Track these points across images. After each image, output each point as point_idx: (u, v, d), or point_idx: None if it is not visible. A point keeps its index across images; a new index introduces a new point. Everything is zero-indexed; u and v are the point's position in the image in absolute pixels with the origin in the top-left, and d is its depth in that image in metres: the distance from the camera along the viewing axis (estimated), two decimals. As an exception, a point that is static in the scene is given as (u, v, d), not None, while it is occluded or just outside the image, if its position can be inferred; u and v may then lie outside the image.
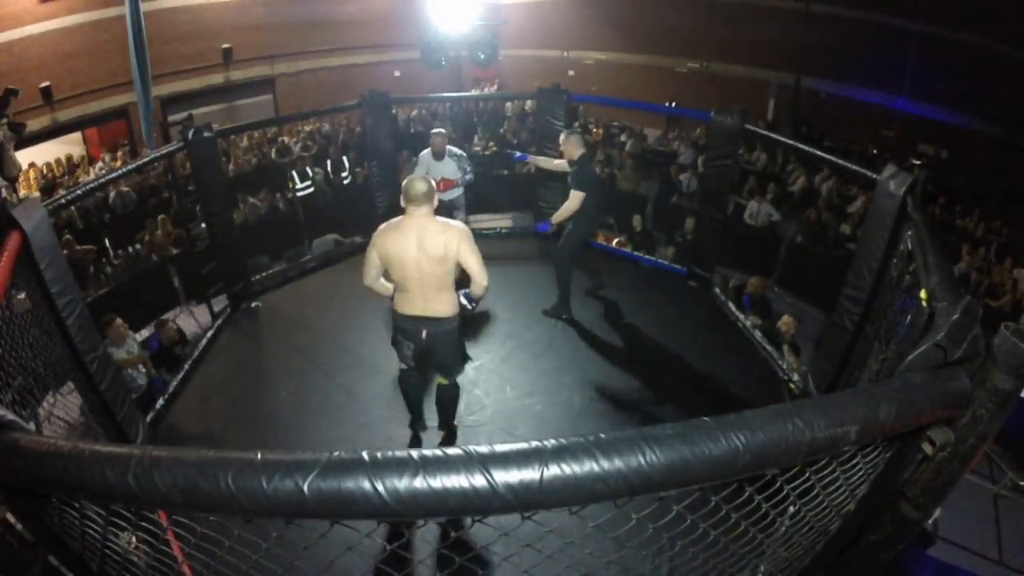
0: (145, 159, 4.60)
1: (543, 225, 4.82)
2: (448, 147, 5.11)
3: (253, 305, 5.16)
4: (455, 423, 3.56)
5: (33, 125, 10.02)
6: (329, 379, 4.13)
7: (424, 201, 2.92)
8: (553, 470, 0.80)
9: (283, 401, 3.98)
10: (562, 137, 4.52)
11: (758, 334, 4.75)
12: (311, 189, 7.93)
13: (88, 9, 10.51)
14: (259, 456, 0.81)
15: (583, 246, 4.75)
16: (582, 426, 3.67)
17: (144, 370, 4.60)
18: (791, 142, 4.97)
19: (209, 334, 4.77)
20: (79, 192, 3.61)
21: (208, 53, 12.13)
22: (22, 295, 2.71)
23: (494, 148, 10.54)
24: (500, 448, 0.82)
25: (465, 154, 5.23)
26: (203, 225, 5.04)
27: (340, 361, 4.32)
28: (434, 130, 5.19)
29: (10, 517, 1.06)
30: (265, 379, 4.24)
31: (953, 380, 0.98)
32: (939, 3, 9.99)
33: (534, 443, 0.82)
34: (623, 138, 10.80)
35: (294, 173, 7.88)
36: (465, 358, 3.51)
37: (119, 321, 4.44)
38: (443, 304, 2.95)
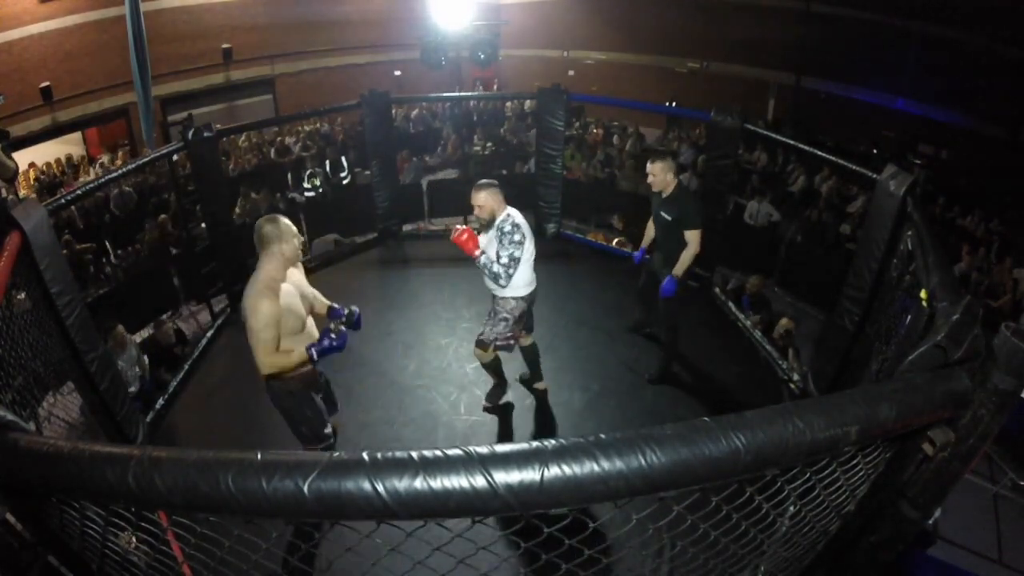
0: (145, 159, 4.59)
1: (669, 283, 3.62)
2: (509, 211, 3.06)
3: (253, 305, 5.15)
4: None
5: (33, 125, 10.05)
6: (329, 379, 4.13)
7: (260, 245, 2.46)
8: (553, 471, 0.79)
9: (283, 401, 3.98)
10: (650, 164, 3.63)
11: (758, 334, 4.75)
12: (318, 191, 7.93)
13: (88, 9, 10.52)
14: (259, 456, 0.81)
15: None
16: (582, 426, 3.67)
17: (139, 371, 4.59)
18: (791, 142, 4.97)
19: (209, 334, 4.77)
20: (79, 192, 3.61)
21: (208, 53, 12.14)
22: (22, 295, 2.71)
23: (493, 148, 10.55)
24: (500, 448, 0.82)
25: (517, 230, 3.04)
26: (203, 225, 5.04)
27: (340, 361, 4.31)
28: (481, 182, 3.07)
29: (10, 517, 1.06)
30: (265, 379, 4.24)
31: (953, 380, 0.98)
32: (939, 3, 9.99)
33: (534, 443, 0.82)
34: (615, 140, 10.81)
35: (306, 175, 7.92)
36: (312, 431, 2.79)
37: (120, 329, 4.41)
38: (259, 362, 2.43)
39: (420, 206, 7.00)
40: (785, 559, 1.45)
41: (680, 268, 3.60)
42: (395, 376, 4.11)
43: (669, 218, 3.62)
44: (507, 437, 3.61)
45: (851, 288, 3.45)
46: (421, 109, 12.23)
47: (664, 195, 3.65)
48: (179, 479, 0.80)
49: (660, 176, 3.60)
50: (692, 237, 3.55)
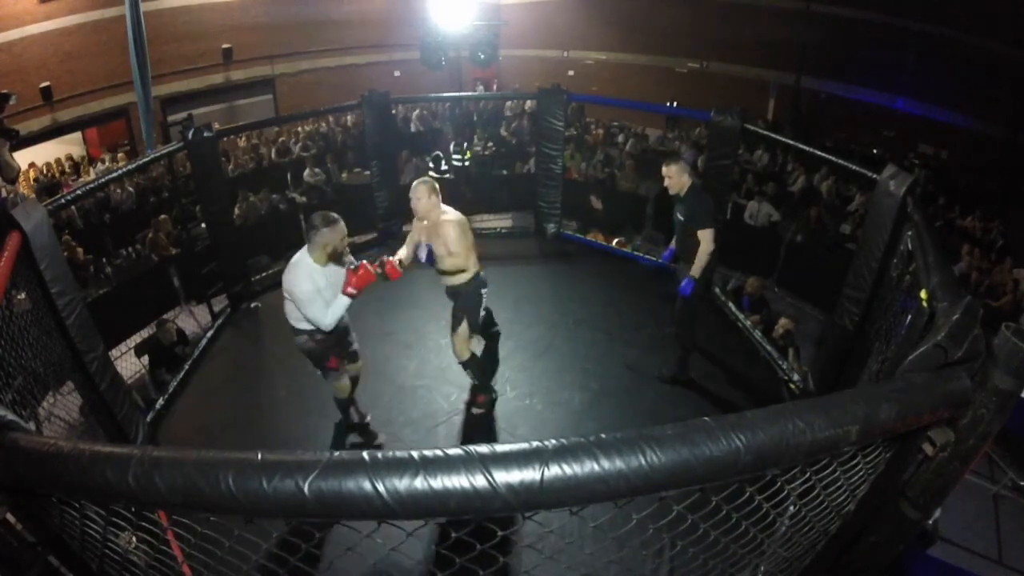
0: (145, 159, 4.59)
1: (687, 284, 3.63)
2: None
3: (253, 305, 5.16)
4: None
5: (33, 125, 10.04)
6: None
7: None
8: (554, 470, 0.79)
9: (283, 401, 3.98)
10: (665, 167, 3.70)
11: (758, 334, 4.75)
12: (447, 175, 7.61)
13: (88, 9, 10.51)
14: (259, 456, 0.81)
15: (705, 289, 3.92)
16: (582, 426, 3.67)
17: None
18: (791, 142, 4.97)
19: (209, 334, 4.77)
20: (79, 192, 3.61)
21: (208, 53, 12.13)
22: (22, 295, 2.71)
23: (493, 148, 10.54)
24: (500, 448, 0.82)
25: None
26: (203, 225, 5.04)
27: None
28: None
29: (10, 517, 1.06)
30: (265, 379, 4.24)
31: (954, 380, 0.98)
32: (939, 3, 9.99)
33: (534, 443, 0.82)
34: (620, 139, 10.81)
35: (438, 155, 7.83)
36: None
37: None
38: None
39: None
40: (785, 559, 1.45)
41: (696, 268, 3.58)
42: (395, 376, 4.11)
43: (682, 218, 3.67)
44: (507, 437, 3.61)
45: (851, 288, 3.45)
46: (421, 109, 12.22)
47: (680, 196, 3.70)
48: (179, 479, 0.80)
49: (676, 178, 3.65)
50: (703, 236, 3.55)
